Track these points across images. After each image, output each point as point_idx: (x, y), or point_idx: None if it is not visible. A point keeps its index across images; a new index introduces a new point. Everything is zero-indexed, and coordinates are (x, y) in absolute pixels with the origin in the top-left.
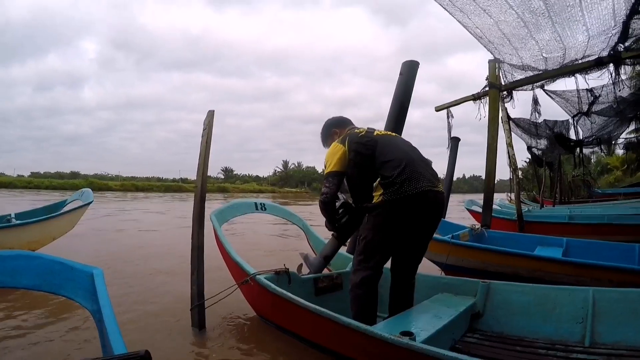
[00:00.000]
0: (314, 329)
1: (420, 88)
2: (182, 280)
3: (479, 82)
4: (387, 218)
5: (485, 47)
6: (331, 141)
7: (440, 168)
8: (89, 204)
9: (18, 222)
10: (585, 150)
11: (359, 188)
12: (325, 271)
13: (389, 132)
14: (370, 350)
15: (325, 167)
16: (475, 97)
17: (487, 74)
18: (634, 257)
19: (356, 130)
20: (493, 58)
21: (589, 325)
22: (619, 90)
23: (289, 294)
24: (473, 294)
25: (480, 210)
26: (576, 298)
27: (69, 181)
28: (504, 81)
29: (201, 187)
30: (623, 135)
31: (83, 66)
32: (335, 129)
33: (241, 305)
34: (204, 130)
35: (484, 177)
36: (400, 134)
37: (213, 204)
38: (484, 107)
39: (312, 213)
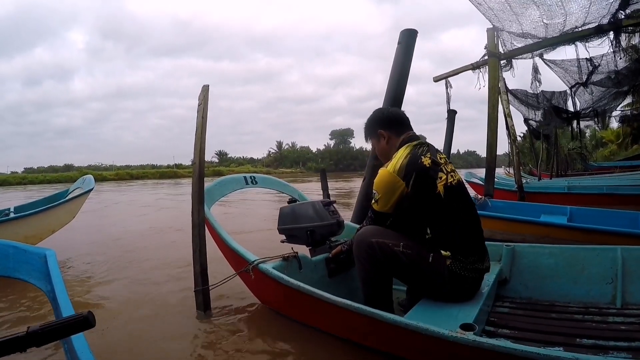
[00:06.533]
0: (345, 326)
1: (413, 64)
2: (185, 264)
3: (473, 56)
4: None
5: (484, 14)
6: (375, 142)
7: (436, 142)
8: (89, 191)
9: (12, 216)
10: (580, 124)
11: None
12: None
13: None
14: (424, 348)
15: (375, 197)
16: (475, 67)
17: (486, 43)
18: (638, 225)
19: (421, 155)
20: (492, 27)
21: (619, 285)
22: (620, 59)
23: (313, 289)
24: (497, 259)
25: (479, 182)
26: (605, 258)
27: (64, 174)
28: (503, 50)
29: (199, 164)
30: (619, 109)
31: (72, 58)
32: (382, 130)
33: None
34: (199, 105)
35: (478, 151)
36: (401, 105)
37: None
38: (483, 76)
39: (306, 188)
